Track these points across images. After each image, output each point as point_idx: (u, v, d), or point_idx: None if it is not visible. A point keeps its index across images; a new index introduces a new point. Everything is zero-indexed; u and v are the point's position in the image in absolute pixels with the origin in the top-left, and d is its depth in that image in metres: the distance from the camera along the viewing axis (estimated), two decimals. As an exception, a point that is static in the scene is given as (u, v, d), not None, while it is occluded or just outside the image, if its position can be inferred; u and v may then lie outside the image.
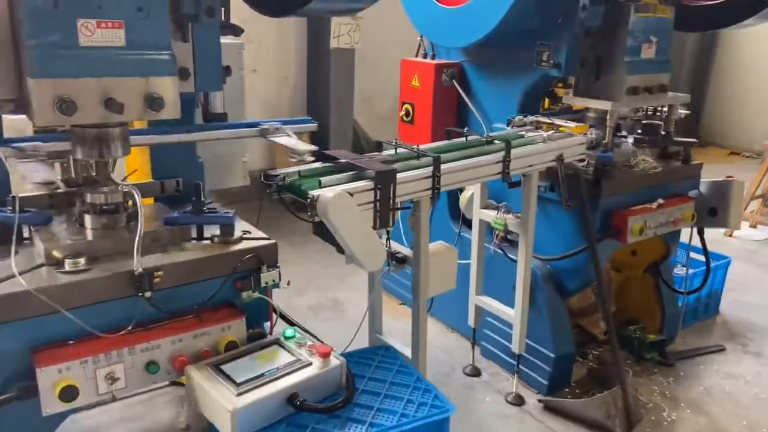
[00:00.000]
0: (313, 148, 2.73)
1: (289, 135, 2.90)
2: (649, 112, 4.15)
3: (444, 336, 4.58)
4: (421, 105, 4.40)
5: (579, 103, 3.79)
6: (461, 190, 4.15)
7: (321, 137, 7.37)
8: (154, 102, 2.00)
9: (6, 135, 2.45)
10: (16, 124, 2.44)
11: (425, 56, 4.56)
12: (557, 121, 3.66)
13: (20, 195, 2.25)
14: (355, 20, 6.69)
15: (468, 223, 4.43)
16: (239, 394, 1.93)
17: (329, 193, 2.37)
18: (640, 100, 3.69)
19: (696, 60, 11.15)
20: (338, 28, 6.67)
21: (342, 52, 6.96)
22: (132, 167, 2.85)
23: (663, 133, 3.99)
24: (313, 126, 3.09)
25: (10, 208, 2.22)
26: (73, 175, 2.58)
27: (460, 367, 4.18)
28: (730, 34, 10.70)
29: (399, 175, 2.68)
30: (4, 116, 2.42)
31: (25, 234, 2.26)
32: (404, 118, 4.56)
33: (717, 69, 11.43)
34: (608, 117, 3.59)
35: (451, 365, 4.21)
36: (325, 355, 2.14)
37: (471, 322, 4.00)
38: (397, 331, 3.60)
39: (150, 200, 2.63)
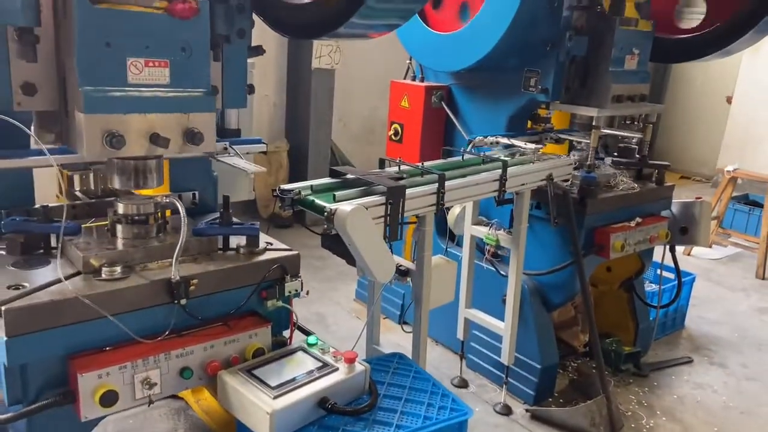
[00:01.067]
0: (262, 169, 2.77)
1: (239, 155, 2.86)
2: (624, 139, 4.42)
3: (430, 349, 4.68)
4: (410, 125, 4.57)
5: (566, 110, 4.02)
6: (449, 206, 4.33)
7: (300, 156, 7.48)
8: (194, 137, 2.10)
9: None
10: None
11: (414, 78, 4.75)
12: (516, 142, 3.84)
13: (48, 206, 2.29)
14: (335, 42, 6.87)
15: (453, 239, 4.61)
16: (275, 397, 2.02)
17: (347, 206, 2.48)
18: (623, 107, 3.94)
19: (649, 87, 11.76)
20: (320, 49, 6.84)
21: (322, 73, 7.12)
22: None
23: (638, 156, 4.28)
24: (262, 146, 3.07)
25: (37, 218, 2.26)
26: (92, 186, 2.63)
27: (448, 379, 4.31)
28: (682, 63, 11.37)
29: (407, 191, 2.82)
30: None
31: (52, 243, 2.29)
32: (393, 137, 4.73)
33: (669, 96, 12.09)
34: (594, 122, 3.83)
35: (438, 377, 4.26)
36: (351, 361, 2.24)
37: (460, 334, 4.14)
38: (381, 343, 3.69)
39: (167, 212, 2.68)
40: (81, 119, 1.94)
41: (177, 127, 2.09)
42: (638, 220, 3.97)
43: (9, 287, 1.96)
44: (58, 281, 1.96)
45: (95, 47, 1.93)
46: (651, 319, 4.73)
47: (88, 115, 1.93)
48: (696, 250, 7.17)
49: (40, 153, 2.24)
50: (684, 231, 4.26)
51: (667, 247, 4.36)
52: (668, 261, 4.43)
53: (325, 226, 2.53)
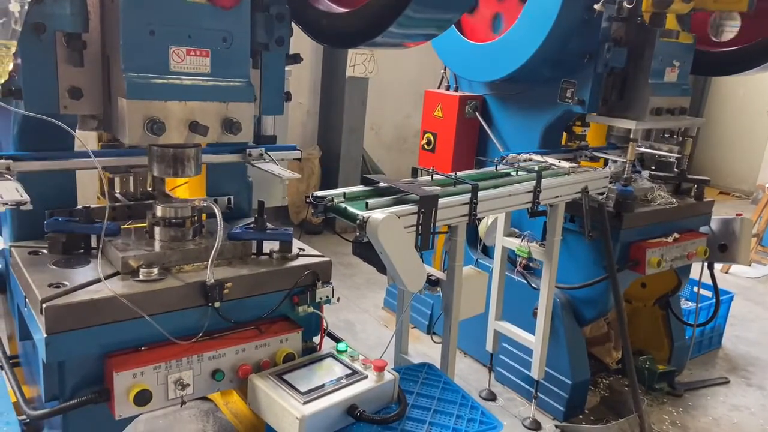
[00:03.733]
0: (296, 175, 2.76)
1: (273, 161, 2.87)
2: (663, 151, 4.33)
3: (458, 360, 4.64)
4: (443, 134, 4.57)
5: (603, 122, 3.95)
6: (480, 217, 4.30)
7: (331, 164, 7.54)
8: (233, 126, 2.13)
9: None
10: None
11: (448, 88, 4.75)
12: (550, 159, 3.76)
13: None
14: (370, 51, 6.91)
15: (484, 250, 4.58)
16: (305, 403, 2.02)
17: (379, 215, 2.48)
18: (662, 120, 3.84)
19: (689, 100, 11.55)
20: (354, 58, 6.88)
21: (356, 81, 7.17)
22: (181, 179, 2.95)
23: (677, 170, 4.19)
24: (297, 153, 3.05)
25: (79, 218, 2.32)
26: (132, 189, 2.69)
27: (476, 392, 4.26)
28: (722, 77, 11.13)
29: (440, 201, 2.81)
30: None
31: (92, 243, 2.35)
32: (425, 146, 4.73)
33: (708, 111, 11.83)
34: (632, 135, 3.75)
35: (466, 389, 4.22)
36: (381, 369, 2.23)
37: (489, 347, 4.09)
38: (409, 352, 3.68)
39: (204, 215, 2.71)
40: (124, 105, 1.98)
41: (216, 115, 2.12)
42: (676, 235, 3.88)
43: (50, 285, 2.01)
44: (98, 281, 2.00)
45: (139, 35, 1.97)
46: (687, 337, 4.61)
47: (130, 101, 1.97)
48: (734, 268, 6.97)
49: (84, 155, 2.31)
50: (723, 248, 4.16)
51: (705, 264, 4.25)
52: (706, 278, 4.32)
53: (357, 233, 2.53)
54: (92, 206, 2.37)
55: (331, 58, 7.37)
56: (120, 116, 2.01)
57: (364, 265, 2.74)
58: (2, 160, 2.26)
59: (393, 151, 8.80)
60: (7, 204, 2.01)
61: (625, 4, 3.53)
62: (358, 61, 6.92)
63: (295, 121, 7.44)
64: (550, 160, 3.73)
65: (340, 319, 5.29)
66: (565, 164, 3.64)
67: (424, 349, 4.67)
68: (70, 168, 2.39)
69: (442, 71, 4.79)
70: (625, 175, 3.83)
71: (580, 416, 4.02)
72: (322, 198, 2.69)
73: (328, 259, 2.49)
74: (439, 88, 4.82)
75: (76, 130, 2.31)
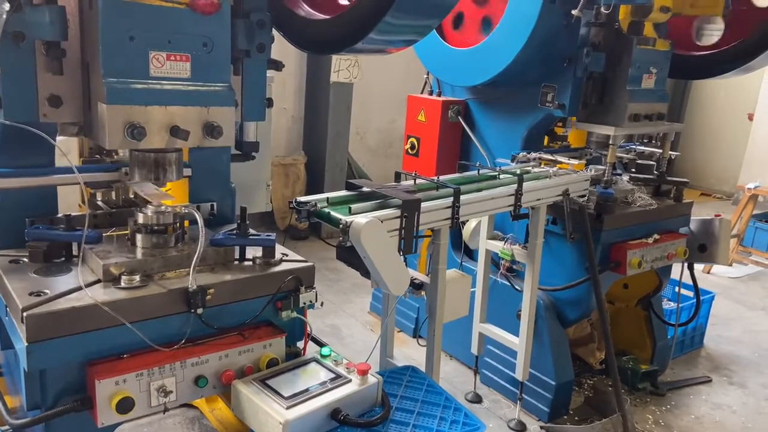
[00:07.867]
0: (169, 197, 2.45)
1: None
2: (645, 153, 4.40)
3: (444, 363, 4.68)
4: (426, 139, 4.60)
5: (583, 128, 4.01)
6: (464, 220, 4.33)
7: (317, 169, 7.55)
8: (214, 130, 2.14)
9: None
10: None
11: (431, 93, 4.78)
12: (560, 158, 3.88)
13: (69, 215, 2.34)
14: (354, 56, 6.94)
15: (468, 253, 4.61)
16: (288, 407, 2.03)
17: (362, 219, 2.50)
18: (641, 126, 3.91)
19: (669, 104, 11.71)
20: (338, 63, 6.91)
21: (341, 86, 7.19)
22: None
23: (656, 172, 4.25)
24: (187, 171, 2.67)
25: (62, 226, 2.31)
26: (113, 197, 2.68)
27: (462, 394, 4.29)
28: (702, 80, 11.30)
29: (422, 205, 2.83)
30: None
31: (74, 251, 2.34)
32: (409, 150, 4.76)
33: (689, 113, 12.00)
34: (611, 141, 3.82)
35: (452, 392, 4.26)
36: (364, 373, 2.25)
37: (474, 349, 4.12)
38: (395, 356, 3.69)
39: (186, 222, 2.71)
40: (104, 110, 1.98)
41: (197, 120, 2.13)
42: (656, 236, 3.94)
43: (31, 294, 2.00)
44: (79, 289, 2.00)
45: (119, 40, 1.98)
46: (669, 337, 4.67)
47: (110, 106, 1.97)
48: (716, 268, 7.08)
49: (67, 171, 2.31)
50: (702, 248, 4.22)
51: (686, 264, 4.32)
52: (687, 278, 4.38)
53: (341, 238, 2.55)
54: (73, 214, 2.36)
55: (315, 63, 7.39)
56: (100, 122, 2.01)
57: (351, 270, 2.76)
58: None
59: (379, 156, 8.84)
60: None
61: (602, 10, 3.59)
62: (342, 66, 6.95)
63: (280, 126, 7.45)
64: (560, 158, 3.86)
65: (327, 324, 5.30)
66: (574, 161, 3.75)
67: (410, 353, 4.69)
68: (51, 184, 2.38)
69: (425, 76, 4.83)
70: (605, 178, 3.88)
71: (565, 417, 4.06)
72: (306, 203, 2.71)
73: (311, 263, 2.50)
74: (422, 92, 4.86)
75: (57, 137, 2.31)
